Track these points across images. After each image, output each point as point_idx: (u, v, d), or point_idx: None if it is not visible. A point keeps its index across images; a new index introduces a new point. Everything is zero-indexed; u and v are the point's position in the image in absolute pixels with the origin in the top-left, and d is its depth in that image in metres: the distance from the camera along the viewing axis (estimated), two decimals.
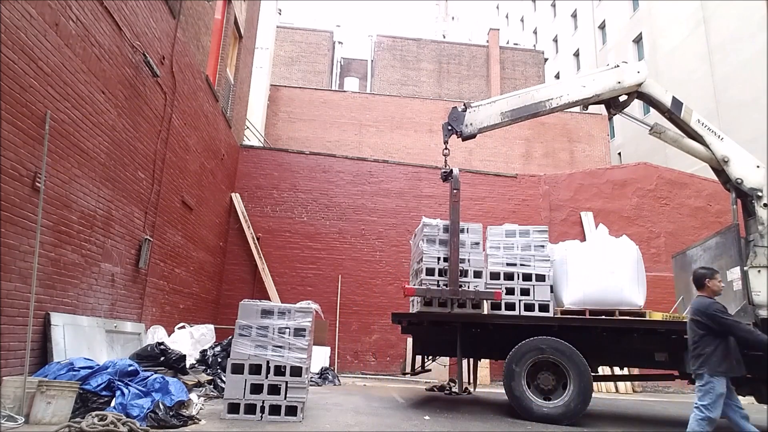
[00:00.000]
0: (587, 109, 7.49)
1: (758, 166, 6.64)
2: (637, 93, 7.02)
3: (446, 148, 6.88)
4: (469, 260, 6.63)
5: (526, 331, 6.36)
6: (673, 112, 6.91)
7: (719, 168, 6.80)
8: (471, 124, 6.78)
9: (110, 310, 6.47)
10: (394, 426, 5.32)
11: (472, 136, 6.90)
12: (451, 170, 6.75)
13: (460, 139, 6.93)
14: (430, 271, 6.55)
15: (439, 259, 6.58)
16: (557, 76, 32.10)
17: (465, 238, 6.71)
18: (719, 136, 6.83)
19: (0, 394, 4.16)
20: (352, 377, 10.99)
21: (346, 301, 12.09)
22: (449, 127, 6.85)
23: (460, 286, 6.35)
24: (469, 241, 6.74)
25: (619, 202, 13.21)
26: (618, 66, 7.03)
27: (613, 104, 7.16)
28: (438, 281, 6.48)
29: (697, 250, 7.46)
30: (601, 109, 7.58)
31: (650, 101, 7.07)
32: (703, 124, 6.89)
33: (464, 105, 6.90)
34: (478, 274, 6.62)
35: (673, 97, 6.94)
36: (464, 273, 6.53)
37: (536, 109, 6.90)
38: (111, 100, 6.20)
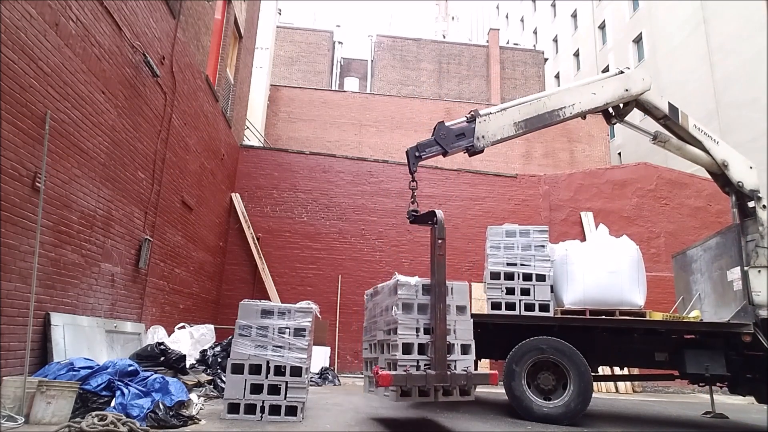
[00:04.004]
0: (585, 117, 7.37)
1: (751, 167, 6.71)
2: (635, 101, 6.79)
3: (413, 180, 5.51)
4: (454, 330, 5.04)
5: (526, 331, 6.35)
6: (670, 118, 6.78)
7: (718, 172, 6.81)
8: (483, 137, 5.97)
9: (110, 310, 6.47)
10: (394, 426, 5.32)
11: (481, 151, 6.02)
12: (433, 212, 5.10)
13: (466, 154, 6.04)
14: (407, 349, 4.86)
15: (417, 330, 4.95)
16: (557, 76, 32.15)
17: (449, 301, 5.08)
18: (715, 141, 6.83)
19: (0, 394, 4.16)
20: (352, 377, 10.98)
21: (346, 301, 12.08)
22: (416, 154, 5.55)
23: (448, 366, 4.82)
24: (454, 305, 5.14)
25: (619, 202, 13.21)
26: (622, 72, 6.80)
27: (616, 113, 6.92)
28: (417, 361, 4.83)
29: (697, 250, 7.47)
30: None
31: (647, 108, 6.89)
32: (699, 129, 6.84)
33: (471, 114, 6.02)
34: (465, 350, 5.04)
35: (669, 102, 6.84)
36: (450, 348, 4.96)
37: (550, 119, 6.42)
38: (111, 100, 6.20)
